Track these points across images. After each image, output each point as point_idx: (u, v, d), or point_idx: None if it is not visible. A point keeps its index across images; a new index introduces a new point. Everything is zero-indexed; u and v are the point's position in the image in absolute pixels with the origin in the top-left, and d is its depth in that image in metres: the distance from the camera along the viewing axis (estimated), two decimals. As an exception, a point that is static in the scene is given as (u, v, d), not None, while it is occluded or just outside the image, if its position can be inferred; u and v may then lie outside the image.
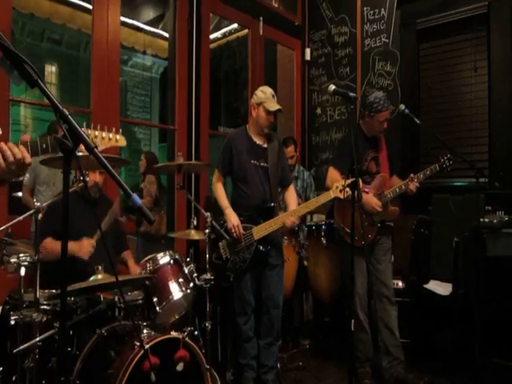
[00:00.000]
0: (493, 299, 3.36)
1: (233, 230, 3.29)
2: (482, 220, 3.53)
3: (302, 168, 4.97)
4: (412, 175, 3.47)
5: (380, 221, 3.54)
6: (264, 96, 3.39)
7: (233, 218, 3.32)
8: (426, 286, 3.90)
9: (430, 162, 3.78)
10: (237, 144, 3.46)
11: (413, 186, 3.44)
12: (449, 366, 3.58)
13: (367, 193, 3.45)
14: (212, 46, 6.87)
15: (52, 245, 2.87)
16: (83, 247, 2.85)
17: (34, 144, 1.68)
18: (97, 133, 2.29)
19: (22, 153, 1.57)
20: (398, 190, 3.50)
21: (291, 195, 3.62)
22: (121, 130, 2.46)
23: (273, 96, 3.40)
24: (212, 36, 7.59)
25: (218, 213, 3.42)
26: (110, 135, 2.35)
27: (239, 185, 3.47)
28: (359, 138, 3.55)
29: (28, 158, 1.59)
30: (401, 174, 3.72)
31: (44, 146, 1.73)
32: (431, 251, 4.17)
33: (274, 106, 3.36)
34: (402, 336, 4.05)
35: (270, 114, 3.37)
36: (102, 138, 2.32)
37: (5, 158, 1.54)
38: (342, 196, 3.10)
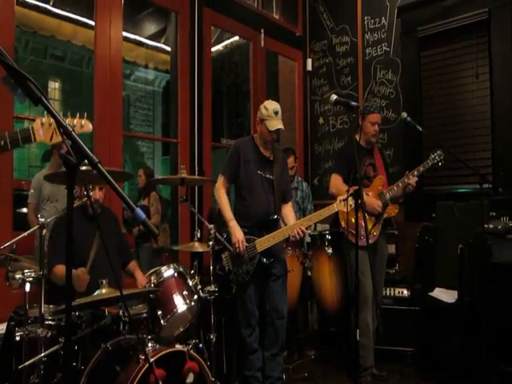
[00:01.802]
0: (499, 306, 3.33)
1: (237, 245, 3.25)
2: (486, 226, 3.50)
3: (300, 179, 4.98)
4: (407, 172, 3.74)
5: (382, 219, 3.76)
6: (266, 113, 3.35)
7: (237, 233, 3.29)
8: (430, 293, 3.88)
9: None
10: (245, 152, 3.43)
11: (412, 181, 3.68)
12: (455, 375, 3.55)
13: (367, 195, 3.49)
14: (214, 57, 6.91)
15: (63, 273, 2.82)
16: (78, 280, 2.70)
17: None
18: (68, 120, 2.28)
19: None
20: (395, 188, 3.74)
21: (290, 210, 3.60)
22: (86, 114, 2.44)
23: (275, 113, 3.33)
24: (214, 48, 7.64)
25: (222, 223, 3.41)
26: (75, 121, 2.36)
27: (244, 195, 3.43)
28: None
29: None
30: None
31: (2, 143, 1.73)
32: (436, 258, 4.15)
33: (274, 125, 3.32)
34: (408, 344, 4.05)
35: (272, 131, 3.36)
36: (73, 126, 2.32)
37: None
38: (345, 210, 3.14)
